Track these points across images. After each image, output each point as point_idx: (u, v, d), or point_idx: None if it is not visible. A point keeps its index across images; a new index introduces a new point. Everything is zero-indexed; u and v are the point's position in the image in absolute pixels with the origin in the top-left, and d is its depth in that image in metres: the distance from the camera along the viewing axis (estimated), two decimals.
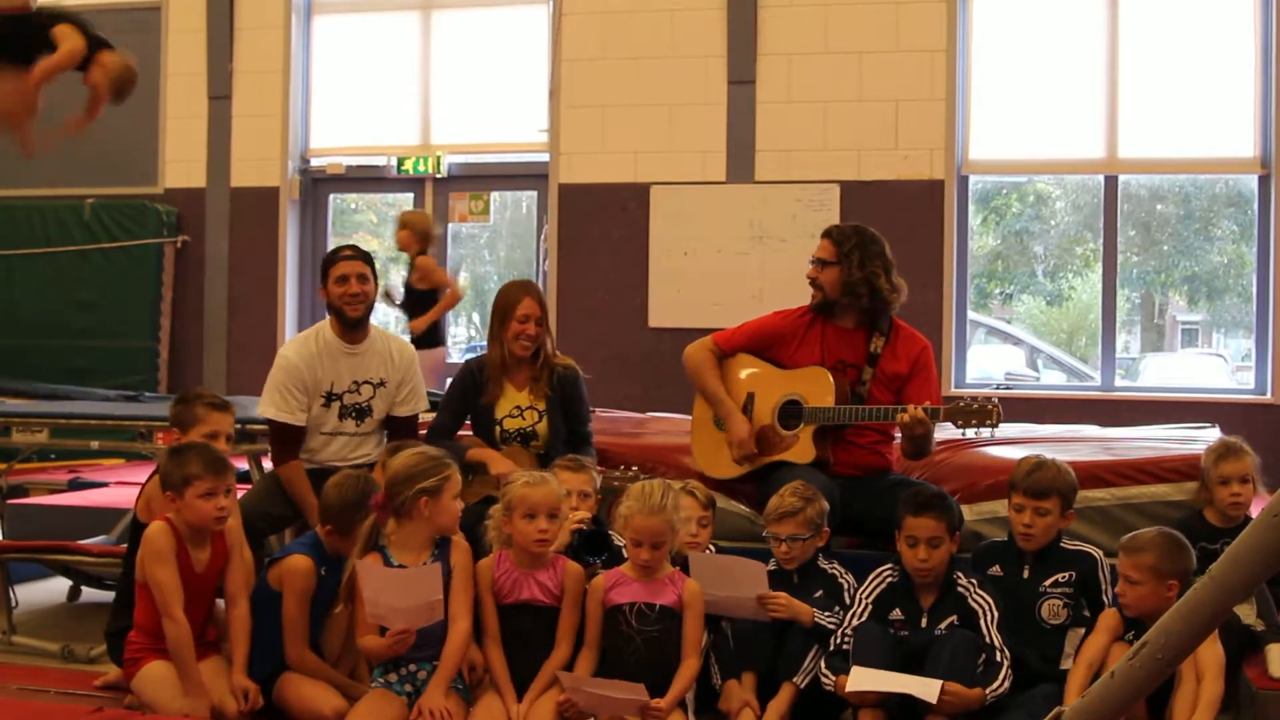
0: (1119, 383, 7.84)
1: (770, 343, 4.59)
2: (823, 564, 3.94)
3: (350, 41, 8.96)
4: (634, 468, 4.50)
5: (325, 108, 8.97)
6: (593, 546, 3.86)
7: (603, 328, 8.03)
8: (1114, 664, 2.43)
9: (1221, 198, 8.35)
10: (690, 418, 4.78)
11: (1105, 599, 3.75)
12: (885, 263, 4.46)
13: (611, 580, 3.67)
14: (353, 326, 4.62)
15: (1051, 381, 8.77)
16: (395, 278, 8.04)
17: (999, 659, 3.55)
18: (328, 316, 4.70)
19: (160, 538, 3.62)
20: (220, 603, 3.82)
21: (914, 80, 7.73)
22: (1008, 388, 7.91)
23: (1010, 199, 9.04)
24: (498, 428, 4.57)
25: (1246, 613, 3.75)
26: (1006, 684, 3.50)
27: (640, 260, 8.13)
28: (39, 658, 4.51)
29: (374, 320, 4.75)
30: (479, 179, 8.81)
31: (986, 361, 8.70)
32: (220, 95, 8.85)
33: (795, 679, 3.66)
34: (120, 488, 6.41)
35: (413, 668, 3.56)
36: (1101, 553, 3.87)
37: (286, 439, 4.52)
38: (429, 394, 4.92)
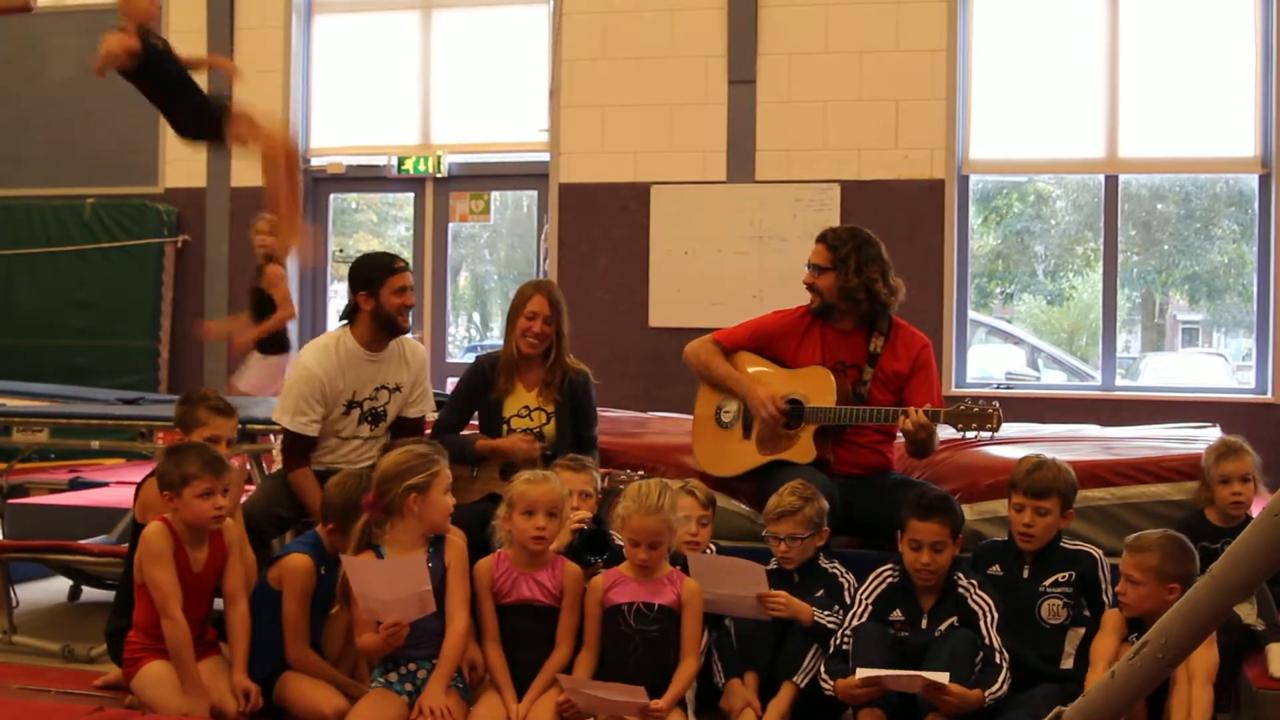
0: (1119, 382, 7.84)
1: (770, 341, 4.58)
2: (824, 563, 3.94)
3: (350, 41, 8.96)
4: (640, 471, 4.45)
5: (325, 107, 8.97)
6: (593, 546, 3.85)
7: (603, 327, 8.02)
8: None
9: (1222, 197, 8.34)
10: (690, 417, 4.77)
11: (1105, 599, 3.74)
12: (882, 265, 4.43)
13: (610, 580, 3.66)
14: (395, 334, 4.59)
15: (1052, 381, 8.76)
16: None
17: (998, 661, 3.53)
18: (344, 324, 4.60)
19: (158, 538, 3.62)
20: (219, 602, 3.82)
21: (914, 80, 7.73)
22: (1008, 387, 7.91)
23: (1011, 198, 9.03)
24: (505, 426, 4.55)
25: (1247, 612, 3.74)
26: (1005, 686, 3.49)
27: (640, 260, 8.13)
28: (39, 657, 4.52)
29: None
30: (479, 179, 8.81)
31: (987, 361, 8.69)
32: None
33: (795, 678, 3.66)
34: (120, 488, 6.41)
35: (412, 667, 3.57)
36: (1101, 552, 3.86)
37: (300, 447, 4.51)
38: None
